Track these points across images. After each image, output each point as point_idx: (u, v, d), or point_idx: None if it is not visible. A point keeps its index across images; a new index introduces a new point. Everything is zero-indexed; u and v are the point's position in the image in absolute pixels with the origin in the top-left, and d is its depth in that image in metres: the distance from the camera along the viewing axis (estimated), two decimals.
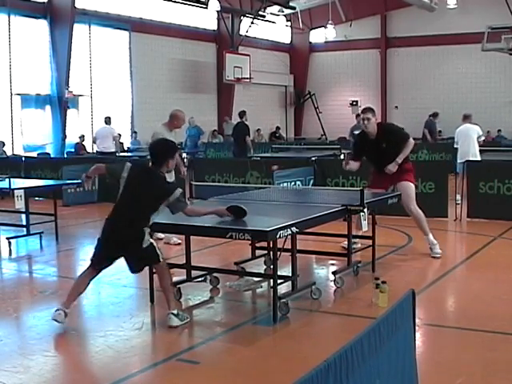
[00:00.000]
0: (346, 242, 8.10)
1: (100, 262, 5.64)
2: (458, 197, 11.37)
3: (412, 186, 8.27)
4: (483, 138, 13.03)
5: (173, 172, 9.22)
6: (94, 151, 17.15)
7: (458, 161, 12.53)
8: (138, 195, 5.49)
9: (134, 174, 5.62)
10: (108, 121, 16.22)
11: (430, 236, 8.29)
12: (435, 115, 19.60)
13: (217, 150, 22.07)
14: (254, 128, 28.73)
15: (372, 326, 2.61)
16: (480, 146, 12.92)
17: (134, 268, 5.71)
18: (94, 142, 17.13)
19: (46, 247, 9.28)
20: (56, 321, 5.49)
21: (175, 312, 5.58)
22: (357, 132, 17.61)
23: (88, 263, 5.76)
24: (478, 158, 12.41)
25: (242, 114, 16.56)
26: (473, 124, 13.04)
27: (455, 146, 13.24)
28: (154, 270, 5.95)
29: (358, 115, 18.35)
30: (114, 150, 15.98)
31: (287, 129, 31.69)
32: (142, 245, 5.45)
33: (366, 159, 8.44)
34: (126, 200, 5.56)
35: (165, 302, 5.68)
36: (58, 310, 5.53)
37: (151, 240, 5.56)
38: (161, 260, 5.63)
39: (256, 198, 7.57)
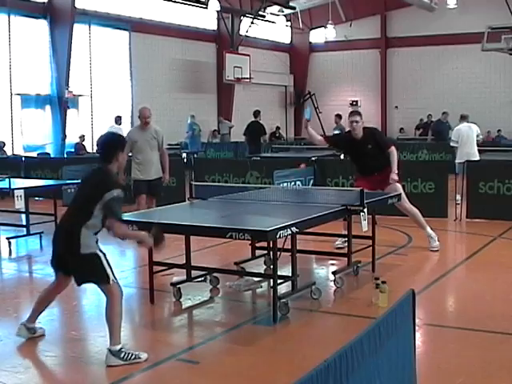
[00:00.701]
0: (338, 242, 8.16)
1: (56, 269, 5.26)
2: (458, 197, 11.36)
3: (400, 186, 8.44)
4: (481, 137, 13.01)
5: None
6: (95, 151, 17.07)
7: (457, 160, 12.47)
8: (80, 192, 5.21)
9: (83, 177, 5.38)
10: (118, 120, 16.14)
11: (428, 229, 8.53)
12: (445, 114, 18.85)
13: (217, 150, 22.07)
14: None
15: (372, 326, 2.61)
16: (478, 146, 12.94)
17: (76, 279, 5.12)
18: None
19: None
20: (19, 335, 5.33)
21: (116, 348, 4.85)
22: (337, 132, 17.71)
23: None
24: (477, 158, 12.41)
25: (256, 114, 16.84)
26: (471, 123, 13.03)
27: (451, 145, 13.23)
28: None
29: (339, 116, 18.26)
30: None
31: (287, 129, 31.68)
32: (80, 250, 4.87)
33: (349, 159, 8.79)
34: (70, 202, 5.25)
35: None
36: (20, 324, 5.34)
37: (98, 252, 4.94)
38: (111, 282, 4.92)
39: (256, 198, 7.57)
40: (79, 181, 5.45)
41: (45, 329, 5.52)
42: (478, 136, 12.79)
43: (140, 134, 9.25)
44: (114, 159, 5.10)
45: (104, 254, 4.97)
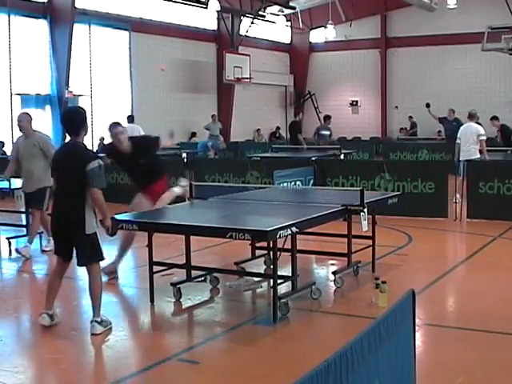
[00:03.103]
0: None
1: (60, 253, 5.55)
2: (458, 195, 11.33)
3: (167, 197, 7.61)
4: (484, 138, 12.64)
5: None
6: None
7: (460, 159, 12.42)
8: (65, 174, 5.35)
9: (57, 156, 5.54)
10: (131, 120, 16.09)
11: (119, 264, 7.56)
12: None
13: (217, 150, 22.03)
14: (254, 128, 28.77)
15: (372, 326, 2.61)
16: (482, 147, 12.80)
17: (81, 259, 5.42)
18: None
19: (46, 247, 9.27)
20: (42, 325, 5.47)
21: (99, 320, 5.41)
22: (324, 132, 17.70)
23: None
24: (475, 157, 12.24)
25: (296, 113, 17.77)
26: (476, 123, 12.80)
27: (457, 142, 13.05)
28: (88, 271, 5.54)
29: (328, 117, 18.30)
30: None
31: (287, 129, 31.66)
32: (86, 229, 5.25)
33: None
34: (58, 185, 5.45)
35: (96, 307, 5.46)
36: (42, 313, 5.51)
37: (97, 235, 5.36)
38: (104, 258, 5.49)
39: (256, 197, 7.58)
40: (53, 161, 5.60)
41: (60, 318, 5.68)
42: (479, 136, 12.51)
43: (23, 142, 8.61)
44: (82, 131, 5.35)
45: (97, 233, 5.36)
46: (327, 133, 17.82)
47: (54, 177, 5.59)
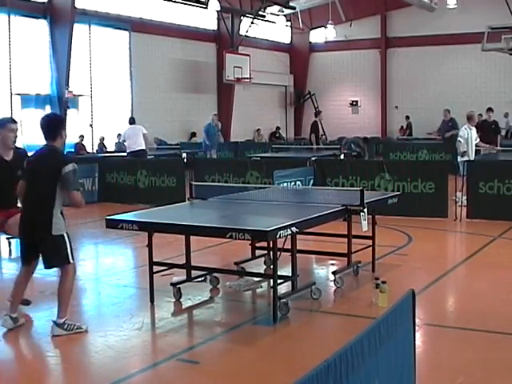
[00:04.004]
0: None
1: (25, 258, 5.58)
2: (459, 194, 11.29)
3: None
4: (478, 140, 12.72)
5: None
6: (125, 152, 16.06)
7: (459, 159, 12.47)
8: (37, 176, 5.41)
9: (31, 159, 5.61)
10: (133, 121, 16.07)
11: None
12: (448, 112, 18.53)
13: (217, 150, 22.03)
14: (254, 128, 28.77)
15: (372, 326, 2.61)
16: (477, 147, 12.85)
17: (47, 261, 5.45)
18: (122, 143, 16.61)
19: None
20: (4, 327, 5.49)
21: (61, 321, 5.37)
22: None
23: (86, 263, 5.77)
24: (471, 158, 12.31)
25: (316, 113, 17.97)
26: (471, 126, 12.77)
27: (459, 141, 13.07)
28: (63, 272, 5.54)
29: (319, 112, 18.57)
30: (144, 147, 15.57)
31: (287, 129, 31.68)
32: (52, 231, 5.28)
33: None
34: (29, 187, 5.49)
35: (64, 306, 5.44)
36: (5, 315, 5.55)
37: (65, 234, 5.37)
38: (70, 262, 5.42)
39: (256, 197, 7.58)
40: (27, 163, 5.62)
41: (24, 320, 5.68)
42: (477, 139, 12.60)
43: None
44: (59, 137, 5.43)
45: (68, 235, 5.41)
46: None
47: (25, 179, 5.60)
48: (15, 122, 6.56)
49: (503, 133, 25.63)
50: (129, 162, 14.75)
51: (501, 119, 25.75)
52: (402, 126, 28.95)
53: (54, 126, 5.50)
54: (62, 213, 5.41)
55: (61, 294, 5.41)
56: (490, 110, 15.97)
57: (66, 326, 5.34)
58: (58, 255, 5.37)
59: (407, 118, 28.14)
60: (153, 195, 13.03)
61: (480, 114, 18.01)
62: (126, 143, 15.87)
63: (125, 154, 15.99)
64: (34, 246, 5.41)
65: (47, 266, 5.50)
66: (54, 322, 5.35)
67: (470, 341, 5.37)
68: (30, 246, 5.46)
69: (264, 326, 5.70)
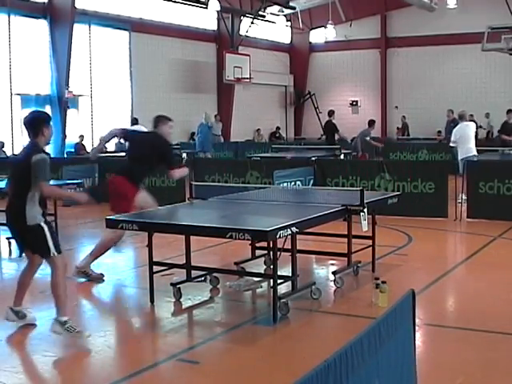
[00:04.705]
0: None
1: (20, 249, 5.72)
2: (464, 196, 11.23)
3: None
4: (484, 131, 12.89)
5: None
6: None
7: (460, 157, 12.52)
8: (14, 169, 5.57)
9: (14, 157, 5.81)
10: (136, 121, 16.01)
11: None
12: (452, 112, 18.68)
13: (217, 149, 22.04)
14: (254, 128, 28.77)
15: (372, 326, 2.61)
16: (476, 146, 12.95)
17: (22, 247, 5.60)
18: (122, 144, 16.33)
19: None
20: (7, 320, 5.60)
21: (62, 319, 5.29)
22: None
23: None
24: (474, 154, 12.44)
25: (330, 113, 17.87)
26: (469, 121, 13.00)
27: (451, 145, 13.27)
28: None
29: (333, 112, 18.45)
30: None
31: (287, 129, 31.68)
32: (26, 221, 5.26)
33: None
34: (9, 182, 5.66)
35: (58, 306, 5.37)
36: (7, 307, 5.65)
37: (43, 225, 5.30)
38: (52, 255, 5.32)
39: (256, 197, 7.58)
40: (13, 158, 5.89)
41: (35, 317, 5.71)
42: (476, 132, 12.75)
43: None
44: (41, 134, 5.42)
45: (49, 226, 5.36)
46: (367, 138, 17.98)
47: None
48: None
49: (484, 133, 25.84)
50: None
51: (482, 120, 25.95)
52: (397, 127, 29.01)
53: (35, 123, 5.52)
54: (41, 204, 5.40)
55: (53, 290, 5.37)
56: (510, 111, 15.77)
57: (67, 326, 5.26)
58: (38, 245, 5.39)
59: (403, 118, 28.18)
60: (153, 195, 12.97)
61: (471, 115, 18.60)
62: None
63: (125, 154, 15.91)
64: (18, 236, 5.52)
65: (21, 251, 5.67)
66: (56, 319, 5.31)
67: (470, 341, 5.37)
68: (16, 237, 5.58)
69: (264, 326, 5.70)
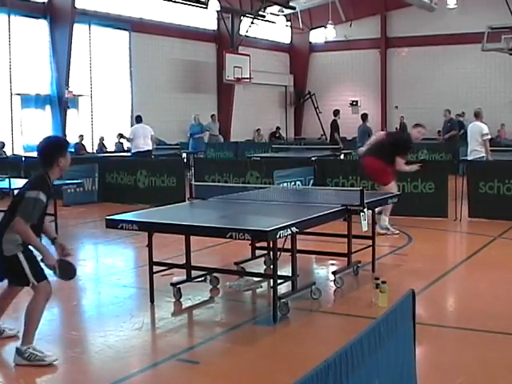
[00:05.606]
0: None
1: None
2: None
3: None
4: (488, 137, 12.49)
5: None
6: (131, 152, 15.81)
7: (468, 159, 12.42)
8: (12, 200, 5.11)
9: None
10: (140, 120, 15.88)
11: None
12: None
13: (217, 150, 22.05)
14: (254, 128, 28.77)
15: (372, 326, 2.61)
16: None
17: (9, 281, 5.11)
18: (130, 140, 16.05)
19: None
20: None
21: (23, 348, 4.83)
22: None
23: (86, 263, 5.74)
24: (477, 156, 12.22)
25: (335, 113, 18.12)
26: (480, 122, 12.65)
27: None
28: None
29: (338, 111, 18.50)
30: (151, 148, 15.48)
31: (287, 129, 31.68)
32: (3, 252, 4.82)
33: None
34: None
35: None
36: None
37: (20, 255, 4.82)
38: (31, 285, 4.87)
39: (256, 197, 7.57)
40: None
41: (16, 330, 5.41)
42: (483, 136, 12.36)
43: None
44: (55, 164, 4.91)
45: (28, 255, 4.85)
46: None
47: None
48: None
49: (461, 132, 25.80)
50: (129, 162, 14.75)
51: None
52: (396, 128, 28.91)
53: (51, 152, 4.96)
54: (37, 230, 4.92)
55: (27, 314, 4.92)
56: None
57: (26, 355, 4.80)
58: (14, 276, 5.00)
59: (402, 118, 28.05)
60: (153, 195, 13.02)
61: (459, 114, 19.37)
62: (132, 142, 15.63)
63: (125, 153, 15.97)
64: None
65: (1, 278, 5.16)
66: (16, 348, 4.87)
67: (470, 341, 5.37)
68: None
69: (264, 326, 5.70)
